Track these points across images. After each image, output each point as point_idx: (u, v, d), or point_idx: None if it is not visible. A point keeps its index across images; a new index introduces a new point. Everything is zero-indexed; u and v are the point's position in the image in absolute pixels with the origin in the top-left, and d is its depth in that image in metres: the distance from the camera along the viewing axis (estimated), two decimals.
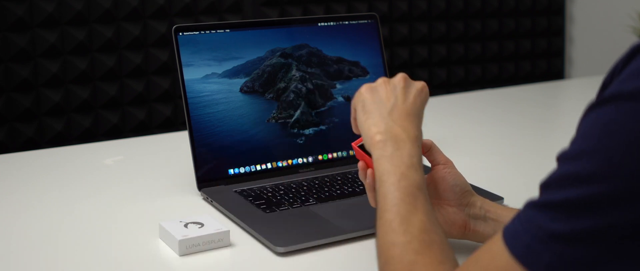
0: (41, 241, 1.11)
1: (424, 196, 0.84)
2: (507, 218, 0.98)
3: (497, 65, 2.97)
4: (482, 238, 0.99)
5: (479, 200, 1.00)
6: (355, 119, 0.96)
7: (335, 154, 1.37)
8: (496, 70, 2.97)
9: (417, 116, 0.92)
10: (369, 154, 0.96)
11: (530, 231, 0.63)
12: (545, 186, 0.65)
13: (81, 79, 2.18)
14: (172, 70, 2.32)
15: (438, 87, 2.81)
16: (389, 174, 0.85)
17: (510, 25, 2.96)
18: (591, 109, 0.64)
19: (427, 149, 1.01)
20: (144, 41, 2.27)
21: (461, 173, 1.02)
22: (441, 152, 1.02)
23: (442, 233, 0.81)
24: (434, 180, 1.00)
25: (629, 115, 0.59)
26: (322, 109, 1.37)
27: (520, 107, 2.04)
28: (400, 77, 0.95)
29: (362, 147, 0.99)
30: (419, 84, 0.96)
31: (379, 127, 0.90)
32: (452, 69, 2.86)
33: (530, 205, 0.65)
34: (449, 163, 1.01)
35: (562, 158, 0.65)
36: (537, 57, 3.06)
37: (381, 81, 0.95)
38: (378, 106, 0.92)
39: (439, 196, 1.00)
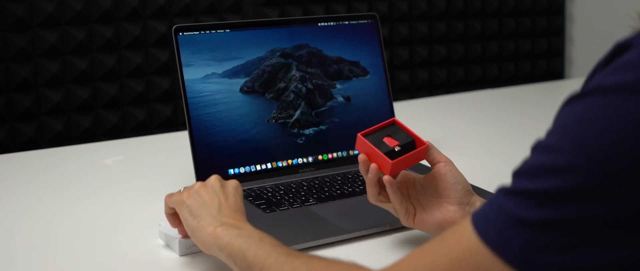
0: (41, 241, 1.11)
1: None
2: None
3: (497, 65, 2.97)
4: None
5: (479, 200, 1.00)
6: (185, 226, 0.97)
7: (335, 154, 1.37)
8: (496, 70, 2.97)
9: (242, 211, 0.96)
10: (376, 146, 0.96)
11: (500, 217, 0.63)
12: (518, 173, 0.65)
13: (81, 79, 2.18)
14: (172, 70, 2.32)
15: (438, 87, 2.81)
16: (247, 246, 0.87)
17: (510, 25, 2.96)
18: (570, 102, 0.63)
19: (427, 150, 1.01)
20: (144, 41, 2.27)
21: (461, 173, 1.02)
22: (440, 152, 1.02)
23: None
24: (434, 179, 1.00)
25: (607, 108, 0.59)
26: (322, 109, 1.38)
27: (520, 107, 2.04)
28: (214, 179, 0.99)
29: (368, 137, 0.99)
30: (233, 183, 0.99)
31: (215, 224, 0.92)
32: (452, 69, 2.86)
33: (502, 192, 0.65)
34: (448, 162, 1.01)
35: (537, 148, 0.65)
36: (537, 57, 3.06)
37: (198, 185, 0.98)
38: (206, 208, 0.95)
39: (439, 194, 1.00)
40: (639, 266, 0.59)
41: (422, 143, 1.01)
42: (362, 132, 1.01)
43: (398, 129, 1.02)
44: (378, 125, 1.03)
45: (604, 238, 0.58)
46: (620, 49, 0.63)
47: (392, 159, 0.97)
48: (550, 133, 0.64)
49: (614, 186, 0.58)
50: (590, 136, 0.59)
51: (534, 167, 0.63)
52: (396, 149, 0.99)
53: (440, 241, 0.68)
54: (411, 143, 1.00)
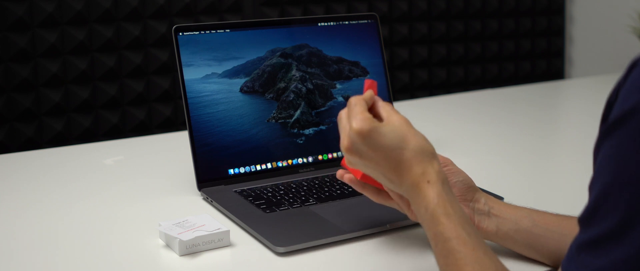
0: (41, 241, 1.11)
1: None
2: (509, 215, 0.98)
3: (497, 65, 2.97)
4: (486, 235, 0.99)
5: (483, 196, 1.00)
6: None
7: (335, 154, 1.37)
8: (496, 70, 2.97)
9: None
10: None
11: None
12: (581, 222, 0.66)
13: (81, 79, 2.18)
14: (172, 70, 2.32)
15: (438, 87, 2.81)
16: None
17: (510, 25, 2.96)
18: (602, 139, 0.64)
19: None
20: (144, 41, 2.27)
21: (462, 170, 1.02)
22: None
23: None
24: None
25: (635, 134, 0.60)
26: (322, 109, 1.38)
27: (520, 107, 2.04)
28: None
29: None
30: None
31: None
32: (452, 69, 2.86)
33: (576, 246, 0.66)
34: (447, 161, 1.01)
35: (590, 190, 0.66)
36: (537, 57, 3.06)
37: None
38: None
39: None
40: None
41: None
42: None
43: None
44: None
45: None
46: (632, 67, 0.63)
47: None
48: (596, 174, 0.65)
49: None
50: (630, 168, 0.61)
51: (590, 212, 0.64)
52: None
53: None
54: None
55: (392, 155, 0.85)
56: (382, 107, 0.91)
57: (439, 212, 0.82)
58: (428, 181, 0.84)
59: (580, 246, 0.65)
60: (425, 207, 0.83)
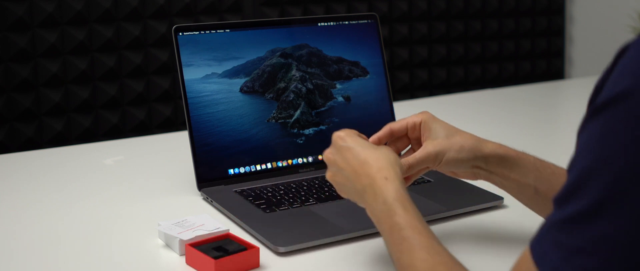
0: (41, 241, 1.11)
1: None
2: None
3: (497, 65, 2.97)
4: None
5: (469, 138, 1.02)
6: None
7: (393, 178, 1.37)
8: (496, 70, 2.97)
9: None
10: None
11: (553, 250, 0.64)
12: (557, 201, 0.65)
13: (81, 79, 2.18)
14: (172, 70, 2.32)
15: (438, 87, 2.81)
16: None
17: (510, 25, 2.96)
18: (588, 120, 0.64)
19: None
20: (144, 41, 2.27)
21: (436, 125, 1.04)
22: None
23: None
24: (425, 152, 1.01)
25: (624, 117, 0.60)
26: (322, 109, 1.38)
27: (520, 107, 2.04)
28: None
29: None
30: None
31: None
32: (452, 69, 2.86)
33: (549, 222, 0.66)
34: (437, 157, 1.02)
35: (569, 171, 0.66)
36: (537, 57, 3.06)
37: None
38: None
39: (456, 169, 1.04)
40: None
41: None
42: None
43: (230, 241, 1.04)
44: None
45: None
46: (621, 53, 0.63)
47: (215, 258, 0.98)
48: (577, 155, 0.65)
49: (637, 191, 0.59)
50: (612, 151, 0.60)
51: (568, 190, 0.64)
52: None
53: None
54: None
55: (359, 155, 0.94)
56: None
57: (397, 205, 0.87)
58: (386, 178, 0.90)
59: (554, 224, 0.65)
60: (383, 201, 0.88)
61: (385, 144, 1.06)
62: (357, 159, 0.93)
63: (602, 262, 0.60)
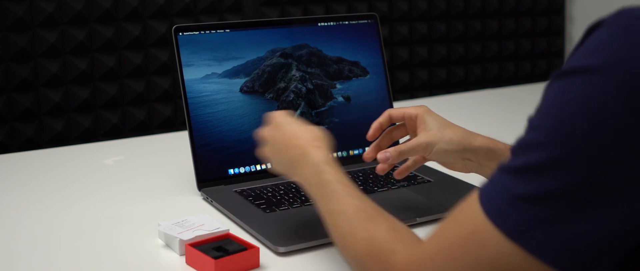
0: (41, 241, 1.11)
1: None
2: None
3: (497, 65, 2.97)
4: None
5: (457, 131, 1.10)
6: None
7: (335, 154, 1.37)
8: (496, 70, 2.97)
9: None
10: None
11: (500, 193, 0.68)
12: (513, 150, 0.70)
13: (81, 79, 2.18)
14: (172, 70, 2.32)
15: (438, 87, 2.81)
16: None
17: (510, 25, 2.96)
18: (552, 81, 0.69)
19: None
20: (144, 41, 2.27)
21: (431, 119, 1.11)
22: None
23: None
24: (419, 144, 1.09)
25: (580, 89, 0.65)
26: (322, 109, 1.37)
27: (520, 108, 2.04)
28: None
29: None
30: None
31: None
32: (452, 69, 2.86)
33: (501, 169, 0.70)
34: (428, 147, 1.09)
35: (528, 125, 0.70)
36: (537, 57, 3.06)
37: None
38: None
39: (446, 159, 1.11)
40: (623, 238, 0.64)
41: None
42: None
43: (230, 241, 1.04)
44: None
45: (585, 208, 0.63)
46: (592, 28, 0.68)
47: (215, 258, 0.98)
48: (537, 111, 0.70)
49: (587, 158, 0.63)
50: (562, 114, 0.65)
51: (524, 144, 0.69)
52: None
53: (453, 221, 0.73)
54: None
55: (292, 129, 1.02)
56: None
57: (326, 166, 0.94)
58: (316, 146, 0.97)
59: (505, 170, 0.69)
60: (313, 164, 0.95)
61: (383, 132, 1.15)
62: (290, 132, 1.01)
63: (543, 213, 0.64)
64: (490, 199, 0.69)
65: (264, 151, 1.05)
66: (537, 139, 0.66)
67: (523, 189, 0.66)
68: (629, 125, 0.62)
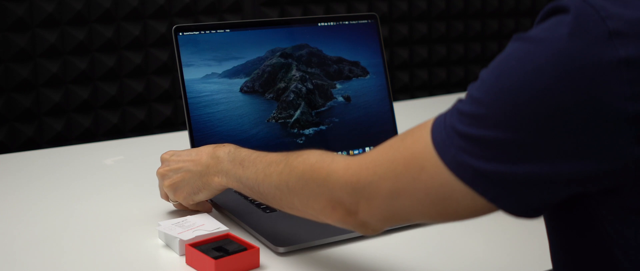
0: (41, 241, 1.11)
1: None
2: None
3: None
4: None
5: None
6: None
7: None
8: None
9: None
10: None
11: (446, 126, 0.75)
12: (469, 91, 0.75)
13: (81, 79, 2.18)
14: (172, 70, 2.32)
15: (438, 87, 2.81)
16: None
17: (510, 25, 2.97)
18: (512, 41, 0.74)
19: None
20: (144, 41, 2.27)
21: None
22: None
23: None
24: None
25: (518, 53, 0.71)
26: (322, 109, 1.38)
27: None
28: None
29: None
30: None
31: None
32: (452, 69, 2.86)
33: (456, 105, 0.76)
34: None
35: (483, 73, 0.75)
36: None
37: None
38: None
39: None
40: (540, 182, 0.70)
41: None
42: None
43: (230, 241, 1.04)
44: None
45: (509, 157, 0.70)
46: (556, 10, 0.71)
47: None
48: (497, 58, 0.75)
49: (514, 117, 0.70)
50: (499, 73, 0.72)
51: (470, 91, 0.75)
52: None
53: (403, 138, 0.80)
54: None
55: (190, 151, 1.12)
56: None
57: (237, 150, 1.04)
58: (220, 146, 1.07)
59: (457, 111, 0.75)
60: (225, 153, 1.05)
61: None
62: (188, 152, 1.11)
63: (476, 151, 0.72)
64: (437, 128, 0.76)
65: (172, 180, 1.11)
66: (479, 94, 0.73)
67: (462, 129, 0.73)
68: (554, 92, 0.67)
